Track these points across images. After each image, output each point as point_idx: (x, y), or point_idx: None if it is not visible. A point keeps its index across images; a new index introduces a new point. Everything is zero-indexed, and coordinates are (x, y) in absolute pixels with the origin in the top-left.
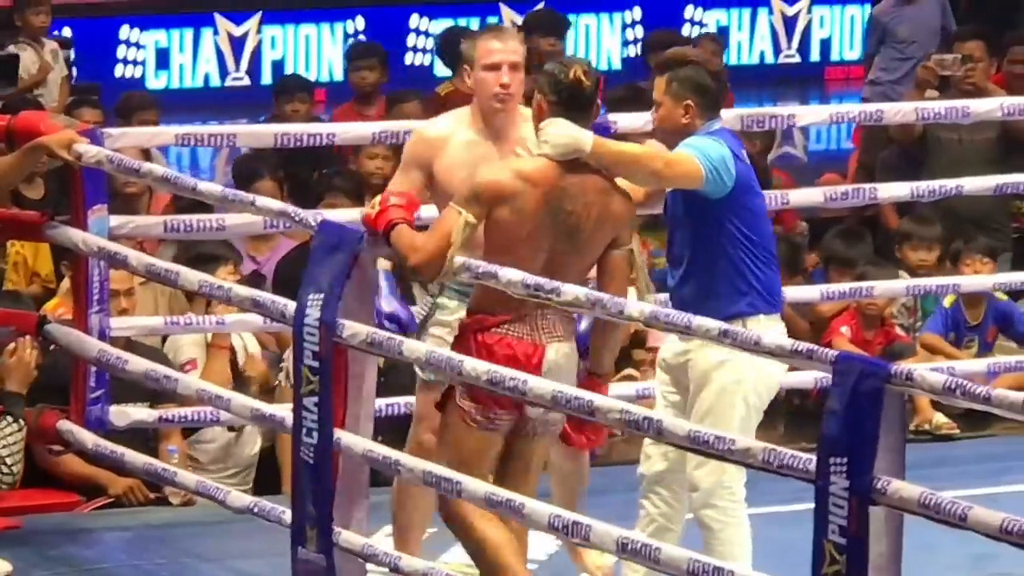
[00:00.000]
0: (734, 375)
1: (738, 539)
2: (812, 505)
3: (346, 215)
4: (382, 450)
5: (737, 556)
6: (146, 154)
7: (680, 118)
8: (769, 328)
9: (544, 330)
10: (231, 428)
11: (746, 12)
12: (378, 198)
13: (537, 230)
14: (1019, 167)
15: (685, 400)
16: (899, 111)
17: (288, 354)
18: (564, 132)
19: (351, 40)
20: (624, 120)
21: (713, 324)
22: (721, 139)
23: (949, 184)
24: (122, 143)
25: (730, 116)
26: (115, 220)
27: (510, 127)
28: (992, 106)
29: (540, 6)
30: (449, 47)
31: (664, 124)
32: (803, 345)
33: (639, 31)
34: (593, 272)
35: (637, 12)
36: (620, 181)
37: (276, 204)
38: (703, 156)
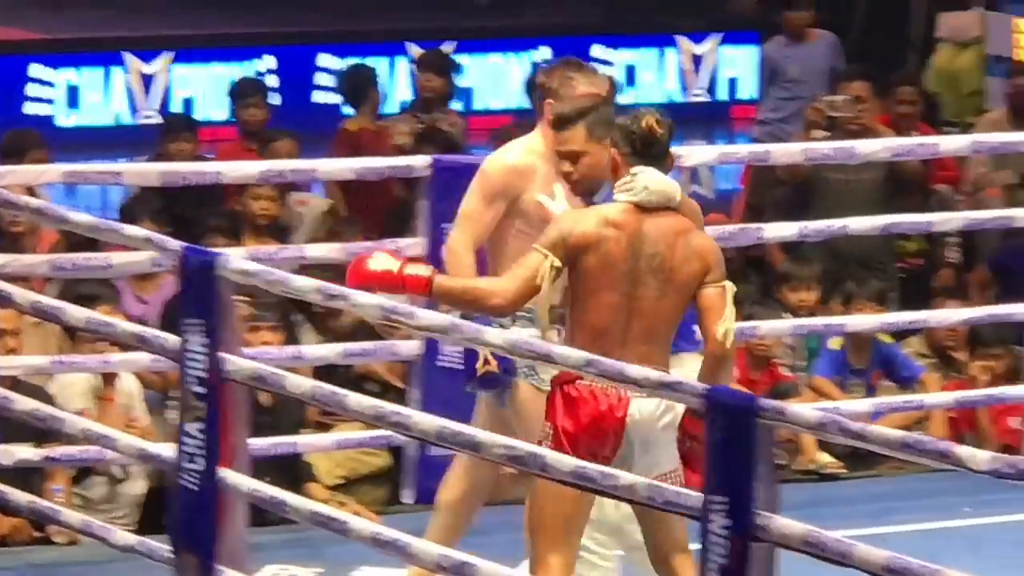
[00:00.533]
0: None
1: None
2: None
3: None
4: (268, 490)
5: None
6: (31, 192)
7: (607, 159)
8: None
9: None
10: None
11: (654, 51)
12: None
13: (622, 274)
14: (905, 207)
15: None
16: (786, 151)
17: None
18: (660, 179)
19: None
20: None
21: (577, 355)
22: None
23: (835, 224)
24: (8, 181)
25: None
26: (0, 259)
27: None
28: (878, 147)
29: (447, 47)
30: (352, 85)
31: (593, 172)
32: (670, 378)
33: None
34: None
35: (545, 51)
36: None
37: (141, 232)
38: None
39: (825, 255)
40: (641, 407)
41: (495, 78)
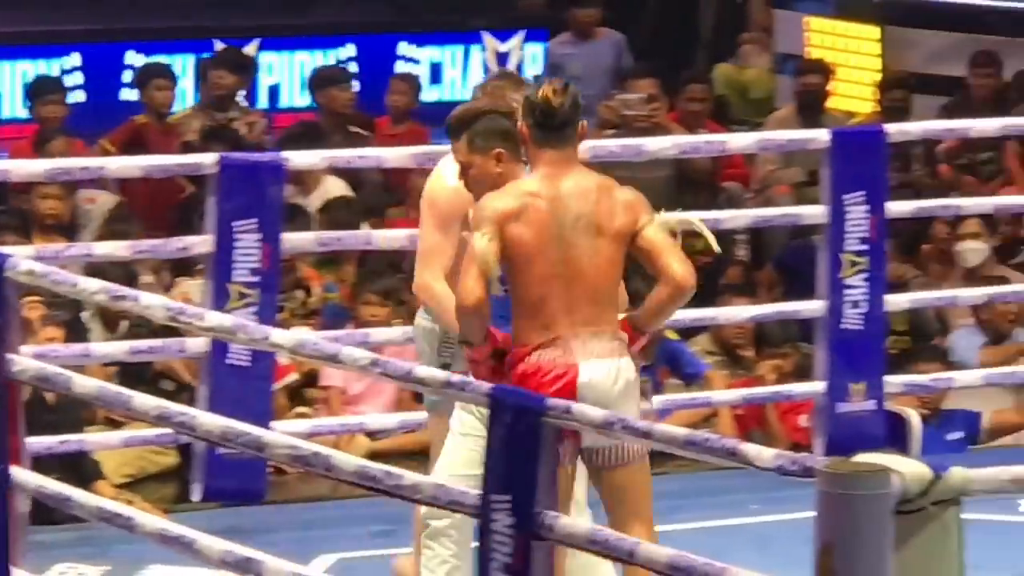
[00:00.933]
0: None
1: None
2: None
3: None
4: (55, 486)
5: None
6: None
7: (494, 169)
8: None
9: (578, 350)
10: None
11: (459, 49)
12: None
13: (551, 240)
14: (693, 205)
15: None
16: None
17: None
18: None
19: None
20: (297, 158)
21: (362, 355)
22: None
23: None
24: None
25: (401, 154)
26: None
27: None
28: (666, 144)
29: (253, 45)
30: (140, 81)
31: (481, 182)
32: (456, 377)
33: (352, 67)
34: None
35: (351, 48)
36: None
37: None
38: None
39: None
40: (592, 372)
41: (301, 76)
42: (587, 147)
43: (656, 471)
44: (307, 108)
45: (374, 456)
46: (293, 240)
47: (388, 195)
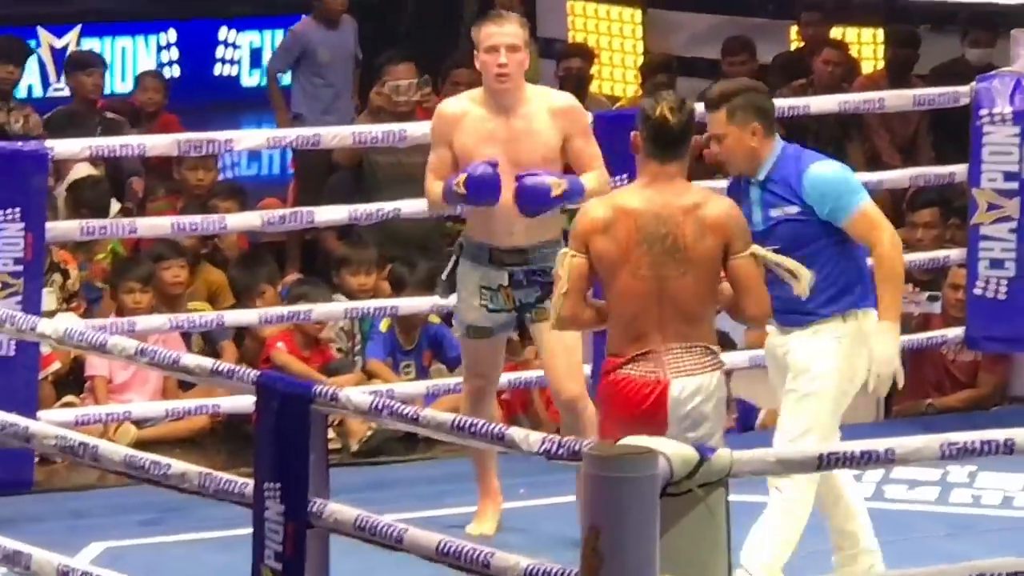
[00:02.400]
0: (826, 364)
1: None
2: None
3: None
4: None
5: None
6: None
7: (749, 143)
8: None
9: (669, 365)
10: None
11: (279, 32)
12: None
13: (636, 256)
14: None
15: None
16: (336, 135)
17: None
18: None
19: None
20: (60, 146)
21: (129, 343)
22: (817, 156)
23: (387, 207)
24: None
25: (167, 142)
26: None
27: (516, 103)
28: (428, 128)
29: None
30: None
31: (735, 153)
32: (224, 365)
33: (174, 53)
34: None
35: (172, 34)
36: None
37: None
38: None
39: (382, 237)
40: (685, 386)
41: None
42: (350, 132)
43: (424, 456)
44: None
45: (141, 444)
46: (56, 229)
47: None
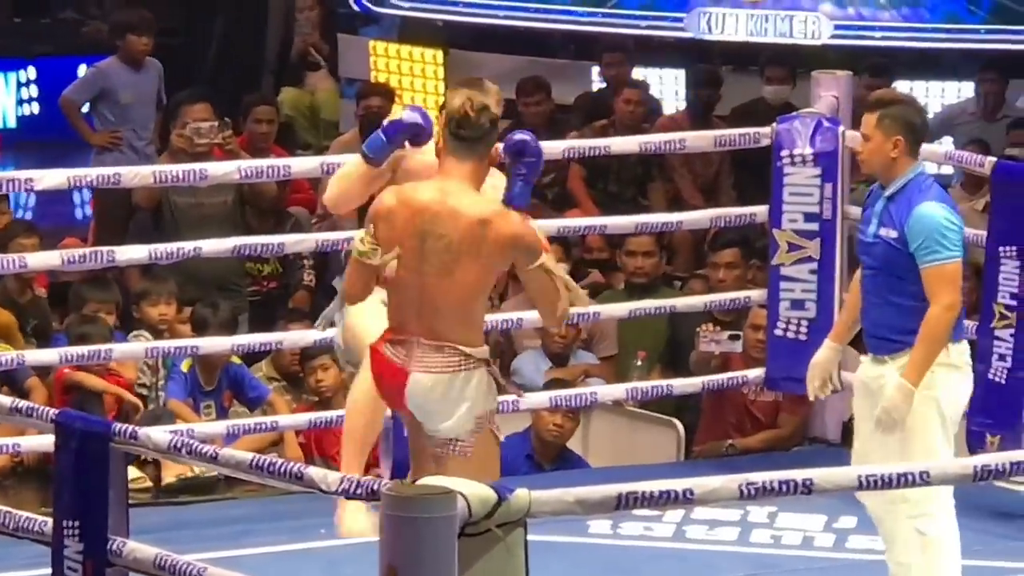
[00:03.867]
0: (928, 392)
1: None
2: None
3: None
4: None
5: None
6: None
7: (889, 152)
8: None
9: (415, 358)
10: None
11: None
12: None
13: (407, 247)
14: (259, 230)
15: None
16: (137, 174)
17: None
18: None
19: None
20: None
21: None
22: (943, 200)
23: (187, 246)
24: None
25: None
26: None
27: None
28: (230, 168)
29: None
30: None
31: (873, 158)
32: (22, 403)
33: (33, 90)
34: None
35: (32, 71)
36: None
37: None
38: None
39: (182, 279)
40: (417, 380)
41: None
42: (150, 171)
43: (224, 496)
44: None
45: None
46: None
47: None
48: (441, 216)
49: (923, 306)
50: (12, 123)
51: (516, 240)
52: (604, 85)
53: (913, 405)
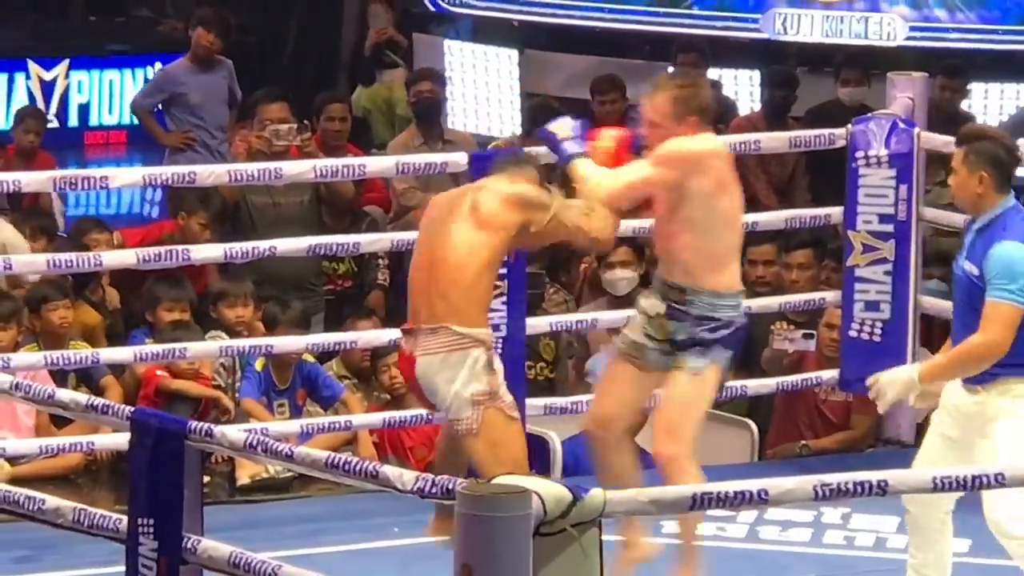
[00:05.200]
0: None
1: None
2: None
3: None
4: None
5: None
6: None
7: (975, 188)
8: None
9: (419, 344)
10: None
11: (2, 76)
12: None
13: (420, 237)
14: (334, 229)
15: (964, 437)
16: (212, 173)
17: None
18: None
19: None
20: None
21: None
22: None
23: (263, 245)
24: None
25: (42, 178)
26: None
27: None
28: (305, 168)
29: None
30: None
31: (959, 193)
32: (98, 401)
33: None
34: None
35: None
36: None
37: None
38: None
39: (260, 279)
40: (418, 363)
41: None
42: (225, 170)
43: (299, 495)
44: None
45: (15, 482)
46: None
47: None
48: (441, 202)
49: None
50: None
51: (511, 197)
52: None
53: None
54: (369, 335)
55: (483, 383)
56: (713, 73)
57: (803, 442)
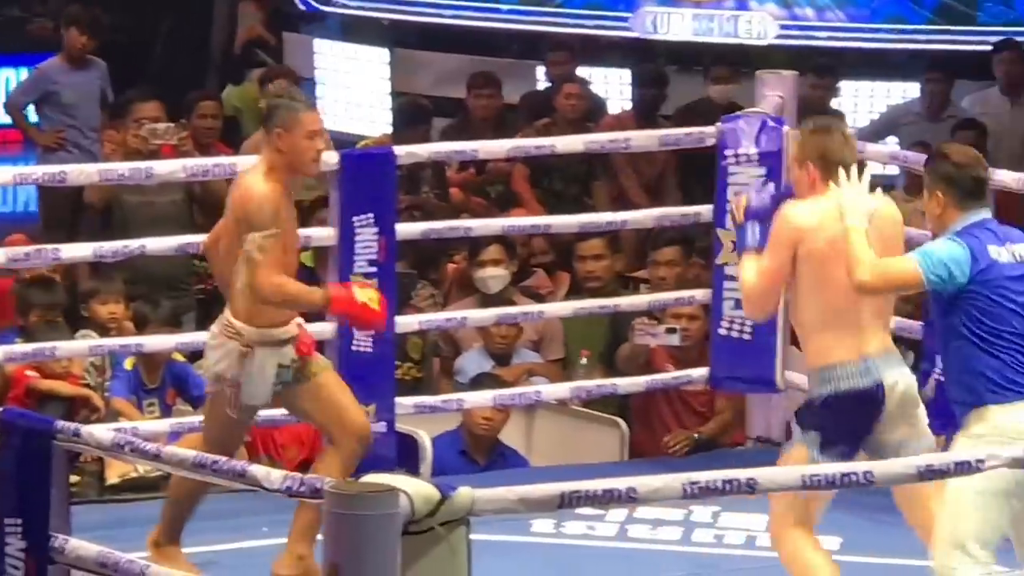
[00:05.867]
0: None
1: None
2: None
3: None
4: None
5: None
6: None
7: (934, 209)
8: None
9: None
10: None
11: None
12: None
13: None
14: (204, 228)
15: None
16: (84, 172)
17: None
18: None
19: None
20: None
21: None
22: (963, 239)
23: (132, 244)
24: None
25: None
26: None
27: None
28: (176, 167)
29: None
30: None
31: (928, 217)
32: None
33: None
34: None
35: None
36: None
37: None
38: (925, 259)
39: (133, 277)
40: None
41: None
42: (96, 170)
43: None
44: None
45: None
46: None
47: None
48: None
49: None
50: None
51: (241, 201)
52: (549, 84)
53: None
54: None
55: (225, 369)
56: (583, 72)
57: (696, 434)
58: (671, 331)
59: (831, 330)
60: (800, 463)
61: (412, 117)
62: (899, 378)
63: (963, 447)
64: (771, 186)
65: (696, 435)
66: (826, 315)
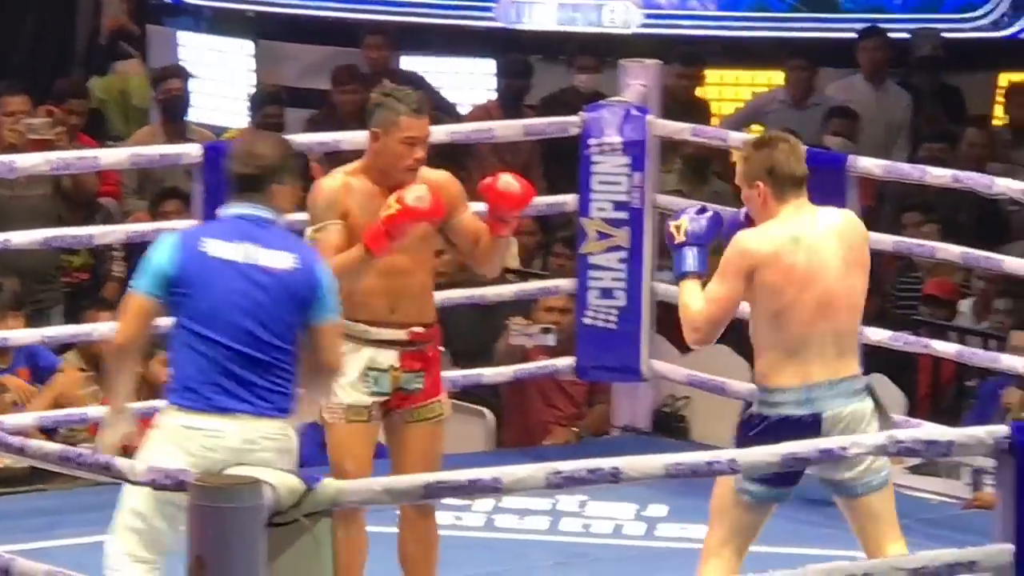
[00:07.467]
0: None
1: None
2: None
3: None
4: None
5: None
6: None
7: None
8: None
9: None
10: None
11: None
12: None
13: None
14: (71, 222)
15: None
16: None
17: None
18: None
19: None
20: None
21: None
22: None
23: None
24: None
25: None
26: None
27: None
28: (38, 160)
29: None
30: None
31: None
32: None
33: None
34: None
35: None
36: None
37: None
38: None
39: (2, 271)
40: None
41: None
42: None
43: (33, 488)
44: None
45: None
46: None
47: None
48: None
49: None
50: None
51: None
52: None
53: None
54: (106, 327)
55: None
56: (447, 63)
57: (574, 428)
58: (546, 331)
59: (780, 352)
60: (731, 484)
61: (260, 101)
62: (844, 408)
63: None
64: (709, 212)
65: (575, 430)
66: (779, 337)
